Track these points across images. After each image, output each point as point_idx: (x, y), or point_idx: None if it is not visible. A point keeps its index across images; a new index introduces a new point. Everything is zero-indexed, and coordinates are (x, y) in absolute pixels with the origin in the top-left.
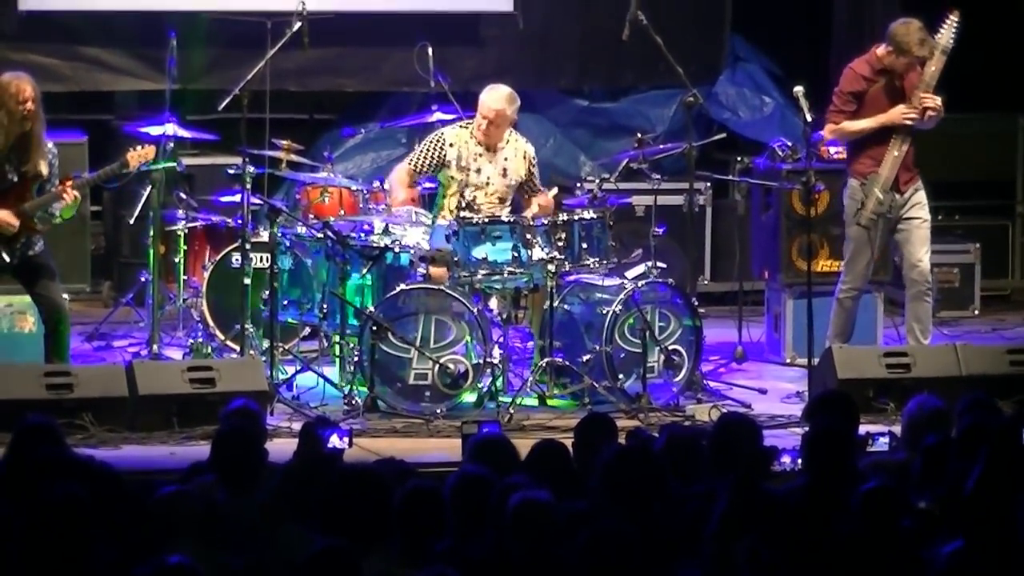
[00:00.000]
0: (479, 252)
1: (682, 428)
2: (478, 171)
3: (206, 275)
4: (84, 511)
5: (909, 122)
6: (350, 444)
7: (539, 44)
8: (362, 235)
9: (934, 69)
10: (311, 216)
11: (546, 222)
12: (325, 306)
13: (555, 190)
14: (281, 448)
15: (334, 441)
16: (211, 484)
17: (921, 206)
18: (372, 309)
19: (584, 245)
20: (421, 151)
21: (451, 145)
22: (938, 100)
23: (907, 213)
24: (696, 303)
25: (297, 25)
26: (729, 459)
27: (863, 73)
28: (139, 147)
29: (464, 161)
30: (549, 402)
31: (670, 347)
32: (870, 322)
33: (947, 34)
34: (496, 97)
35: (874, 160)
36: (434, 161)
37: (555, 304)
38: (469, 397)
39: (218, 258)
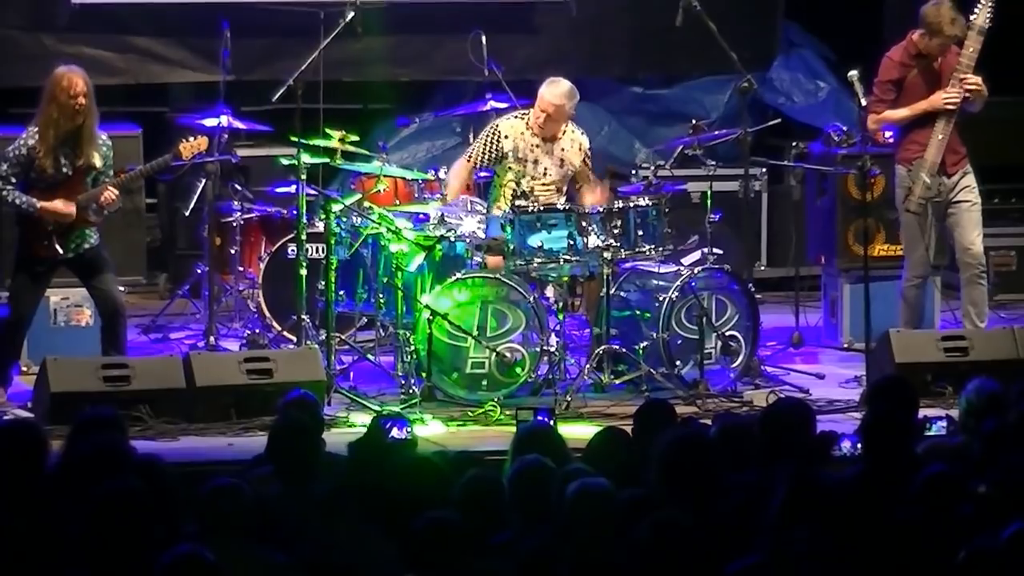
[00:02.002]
0: (535, 240)
1: (735, 416)
2: (535, 162)
3: (262, 266)
4: (144, 505)
5: (951, 106)
6: (411, 435)
7: (593, 32)
8: (418, 225)
9: (971, 50)
10: (367, 206)
11: (601, 210)
12: (382, 296)
13: (606, 182)
14: (338, 439)
15: (394, 433)
16: (266, 477)
17: (970, 189)
18: (428, 298)
19: (640, 232)
20: (478, 146)
21: (507, 137)
22: (979, 80)
23: (956, 197)
24: (753, 289)
25: (350, 15)
26: (778, 446)
27: (899, 60)
28: (191, 138)
29: (522, 153)
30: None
31: (727, 333)
32: (927, 306)
33: (983, 14)
34: (556, 92)
35: (919, 145)
36: (492, 155)
37: (611, 291)
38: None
39: (274, 249)
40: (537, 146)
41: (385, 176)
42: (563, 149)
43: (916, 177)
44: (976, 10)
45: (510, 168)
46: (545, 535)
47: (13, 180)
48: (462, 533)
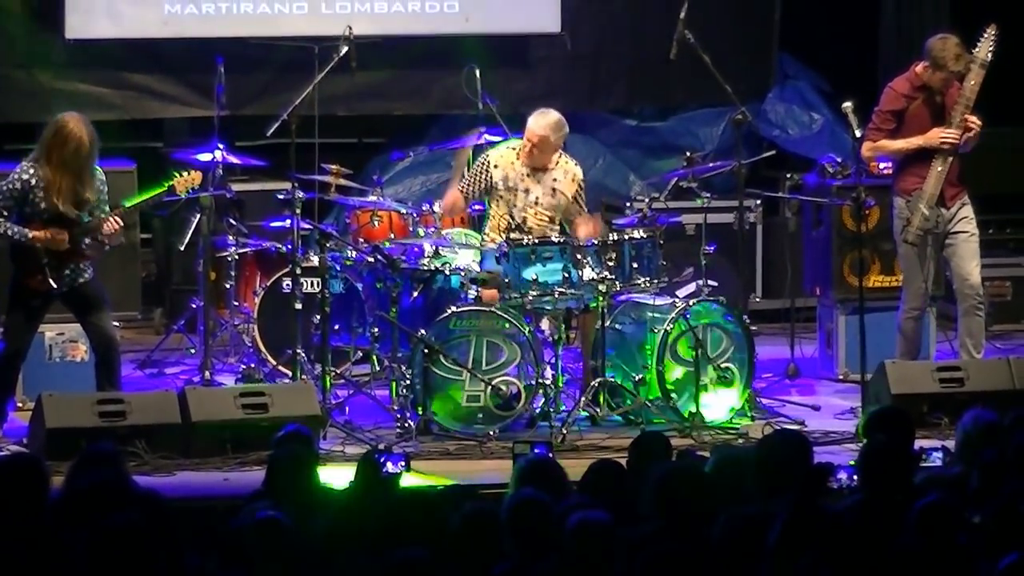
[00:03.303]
0: (529, 273)
1: (732, 448)
2: (526, 191)
3: (257, 301)
4: (145, 539)
5: (947, 146)
6: (407, 469)
7: (588, 65)
8: (413, 258)
9: (973, 83)
10: (361, 240)
11: (596, 242)
12: (376, 330)
13: (598, 215)
14: (334, 473)
15: (389, 467)
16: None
17: (968, 220)
18: (423, 332)
19: (635, 264)
20: (469, 179)
21: (496, 167)
22: (979, 123)
23: (954, 228)
24: (748, 321)
25: (344, 49)
26: (775, 478)
27: (902, 91)
28: (184, 172)
29: (512, 182)
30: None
31: (722, 365)
32: (924, 338)
33: (985, 47)
34: (542, 123)
35: (918, 177)
36: (482, 186)
37: (606, 324)
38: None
39: (269, 283)
40: (528, 175)
41: (380, 210)
42: (555, 179)
43: (915, 208)
44: (979, 43)
45: (500, 198)
46: (546, 567)
47: (5, 213)
48: (431, 572)
